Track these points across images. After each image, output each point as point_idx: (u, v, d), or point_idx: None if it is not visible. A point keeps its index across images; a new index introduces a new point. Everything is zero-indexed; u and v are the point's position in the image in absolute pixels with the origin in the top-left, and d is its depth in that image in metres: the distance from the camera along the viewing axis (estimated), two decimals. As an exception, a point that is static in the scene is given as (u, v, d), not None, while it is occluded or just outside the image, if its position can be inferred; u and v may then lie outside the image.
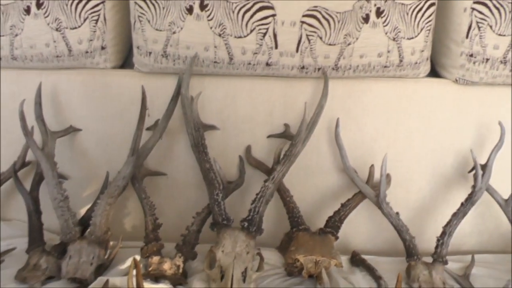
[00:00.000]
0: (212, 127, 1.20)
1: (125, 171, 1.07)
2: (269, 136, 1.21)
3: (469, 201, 1.09)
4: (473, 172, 1.14)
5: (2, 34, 1.23)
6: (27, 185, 1.16)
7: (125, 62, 1.30)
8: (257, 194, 1.04)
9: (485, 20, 1.12)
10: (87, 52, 1.21)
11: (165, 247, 1.08)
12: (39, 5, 1.19)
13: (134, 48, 1.21)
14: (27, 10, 1.20)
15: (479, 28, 1.12)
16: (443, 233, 1.07)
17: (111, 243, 1.10)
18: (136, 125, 1.07)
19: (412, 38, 1.14)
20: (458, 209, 1.09)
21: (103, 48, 1.22)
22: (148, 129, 1.18)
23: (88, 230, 1.06)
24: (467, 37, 1.14)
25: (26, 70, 1.27)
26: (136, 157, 1.07)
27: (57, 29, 1.19)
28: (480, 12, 1.11)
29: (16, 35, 1.21)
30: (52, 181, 1.08)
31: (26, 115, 1.15)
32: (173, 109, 1.13)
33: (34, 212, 1.11)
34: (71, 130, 1.23)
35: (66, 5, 1.17)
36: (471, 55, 1.15)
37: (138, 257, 1.05)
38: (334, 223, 1.10)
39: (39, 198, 1.15)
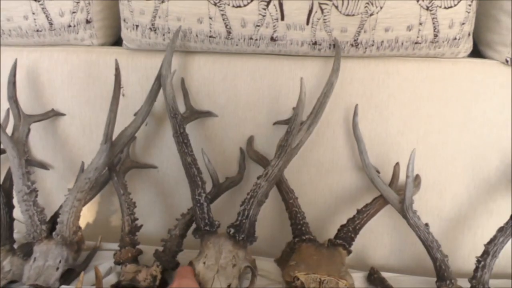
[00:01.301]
0: (207, 114, 1.04)
1: (97, 162, 0.92)
2: (275, 123, 1.03)
3: (520, 213, 0.87)
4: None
5: (-23, 6, 1.11)
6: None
7: (119, 39, 1.15)
8: (247, 194, 0.87)
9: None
10: (69, 26, 1.07)
11: (147, 253, 0.94)
12: (17, -28, 1.06)
13: (121, 22, 1.05)
14: (3, -22, 1.07)
15: (537, -6, 0.90)
16: (485, 253, 0.85)
17: (86, 244, 0.98)
18: (109, 107, 0.92)
19: (451, 7, 0.93)
20: (507, 223, 0.87)
21: (88, 21, 1.07)
22: (135, 114, 1.02)
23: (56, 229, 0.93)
24: (522, 5, 0.92)
25: (5, 47, 1.14)
26: (110, 145, 0.92)
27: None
28: (540, -27, 0.89)
29: (-9, 6, 1.09)
30: (17, 171, 0.95)
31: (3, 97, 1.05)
32: (157, 89, 0.97)
33: (4, 206, 1.00)
34: (52, 114, 1.10)
35: (47, -26, 1.04)
36: (527, 29, 0.92)
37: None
38: (347, 234, 0.91)
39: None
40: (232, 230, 0.84)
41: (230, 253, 0.83)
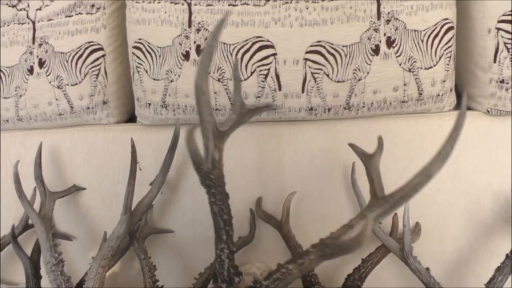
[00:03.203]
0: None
1: (118, 231, 0.98)
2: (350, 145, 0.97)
3: (516, 252, 0.92)
4: (518, 216, 0.98)
5: (7, 96, 1.22)
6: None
7: (133, 116, 1.25)
8: (274, 272, 0.76)
9: (514, 41, 0.99)
10: (88, 108, 1.17)
11: (169, 312, 0.98)
12: (41, 64, 1.17)
13: (135, 101, 1.16)
14: (31, 70, 1.18)
15: (508, 49, 0.99)
16: (487, 292, 0.90)
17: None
18: (127, 181, 1.00)
19: (431, 67, 1.02)
20: (503, 262, 0.91)
21: (105, 102, 1.18)
22: (151, 184, 1.10)
23: (82, 296, 0.98)
24: (494, 61, 1.00)
25: (31, 131, 1.24)
26: (129, 215, 0.99)
27: (58, 87, 1.17)
28: (507, 32, 0.98)
29: (21, 96, 1.20)
30: (45, 244, 1.01)
31: (30, 176, 1.13)
32: (170, 161, 1.05)
33: (33, 277, 1.06)
34: (74, 190, 1.17)
35: (67, 61, 1.15)
36: (502, 81, 1.00)
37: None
38: (353, 282, 0.96)
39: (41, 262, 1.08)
40: None
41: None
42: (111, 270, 1.08)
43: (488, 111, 1.05)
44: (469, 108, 1.10)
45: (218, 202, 0.82)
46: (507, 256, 0.91)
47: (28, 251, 1.10)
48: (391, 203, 0.74)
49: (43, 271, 1.04)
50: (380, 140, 0.84)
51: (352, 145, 0.91)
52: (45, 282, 1.03)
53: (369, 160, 0.84)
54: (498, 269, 0.91)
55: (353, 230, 0.73)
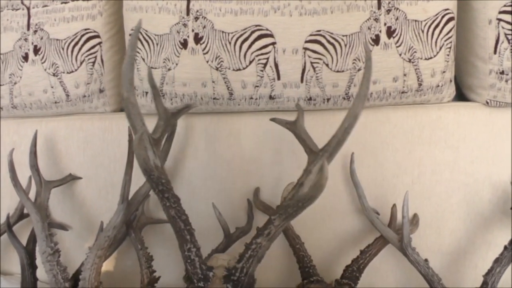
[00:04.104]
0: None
1: (115, 221, 0.97)
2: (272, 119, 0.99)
3: (514, 243, 0.92)
4: (516, 207, 0.98)
5: (1, 83, 1.20)
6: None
7: (129, 105, 1.24)
8: (245, 251, 0.80)
9: (515, 31, 0.98)
10: (84, 96, 1.16)
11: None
12: (36, 51, 1.16)
13: (132, 89, 1.14)
14: (25, 57, 1.17)
15: (508, 41, 0.98)
16: (484, 284, 0.89)
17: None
18: (125, 170, 0.99)
19: (431, 58, 1.01)
20: (502, 254, 0.91)
21: (101, 91, 1.16)
22: (148, 174, 1.09)
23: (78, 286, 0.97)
24: (495, 52, 1.00)
25: (26, 119, 1.23)
26: (126, 205, 0.98)
27: (54, 74, 1.15)
28: (508, 23, 0.97)
29: (15, 83, 1.18)
30: (41, 233, 1.00)
31: (25, 165, 1.12)
32: (167, 150, 1.04)
33: (28, 267, 1.06)
34: (70, 179, 1.17)
35: (62, 48, 1.14)
36: (502, 72, 1.00)
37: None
38: (352, 273, 0.96)
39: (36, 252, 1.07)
40: None
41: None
42: (107, 260, 1.08)
43: (487, 103, 1.05)
44: (468, 99, 1.11)
45: (173, 205, 0.82)
46: (505, 247, 0.91)
47: (23, 241, 1.09)
48: (330, 151, 0.81)
49: (38, 261, 1.04)
50: (298, 106, 0.93)
51: (273, 119, 0.97)
52: (40, 272, 1.03)
53: (295, 126, 0.91)
54: (497, 260, 0.91)
55: (304, 187, 0.83)
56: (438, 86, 1.04)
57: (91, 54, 1.14)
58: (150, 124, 1.12)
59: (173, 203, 0.82)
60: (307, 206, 0.76)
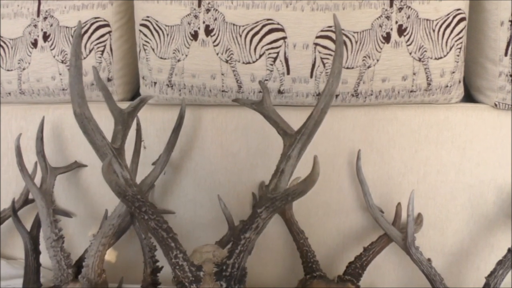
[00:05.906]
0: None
1: (120, 209, 0.98)
2: (234, 100, 0.99)
3: (518, 246, 0.92)
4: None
5: (10, 69, 1.20)
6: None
7: (136, 94, 1.24)
8: (235, 247, 0.78)
9: (527, 35, 0.98)
10: (92, 84, 1.16)
11: (167, 292, 0.97)
12: (45, 38, 1.16)
13: (140, 79, 1.14)
14: (34, 43, 1.17)
15: (520, 44, 0.98)
16: (486, 285, 0.89)
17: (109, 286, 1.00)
18: (131, 159, 0.99)
19: (441, 58, 1.01)
20: (505, 256, 0.91)
21: (109, 79, 1.16)
22: (153, 164, 1.10)
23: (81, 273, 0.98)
24: (506, 54, 0.99)
25: (33, 105, 1.23)
26: (132, 194, 0.99)
27: (62, 61, 1.15)
28: (521, 25, 0.98)
29: (24, 69, 1.18)
30: (46, 219, 1.01)
31: (32, 151, 1.12)
32: (174, 141, 1.04)
33: (32, 252, 1.05)
34: (75, 166, 1.17)
35: (72, 36, 1.14)
36: (512, 75, 1.00)
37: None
38: (355, 270, 0.96)
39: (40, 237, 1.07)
40: (224, 285, 0.77)
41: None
42: (110, 248, 1.08)
43: (495, 105, 1.05)
44: (476, 101, 1.10)
45: (152, 216, 0.79)
46: (508, 250, 0.91)
47: (28, 226, 1.09)
48: (307, 134, 0.80)
49: (42, 247, 1.04)
50: (262, 84, 0.91)
51: (237, 100, 0.95)
52: (44, 257, 1.03)
53: (262, 106, 0.88)
54: (499, 262, 0.91)
55: (285, 174, 0.84)
56: (447, 86, 1.03)
57: (100, 42, 1.14)
58: (158, 113, 1.15)
59: (151, 214, 0.78)
60: (295, 200, 0.77)
